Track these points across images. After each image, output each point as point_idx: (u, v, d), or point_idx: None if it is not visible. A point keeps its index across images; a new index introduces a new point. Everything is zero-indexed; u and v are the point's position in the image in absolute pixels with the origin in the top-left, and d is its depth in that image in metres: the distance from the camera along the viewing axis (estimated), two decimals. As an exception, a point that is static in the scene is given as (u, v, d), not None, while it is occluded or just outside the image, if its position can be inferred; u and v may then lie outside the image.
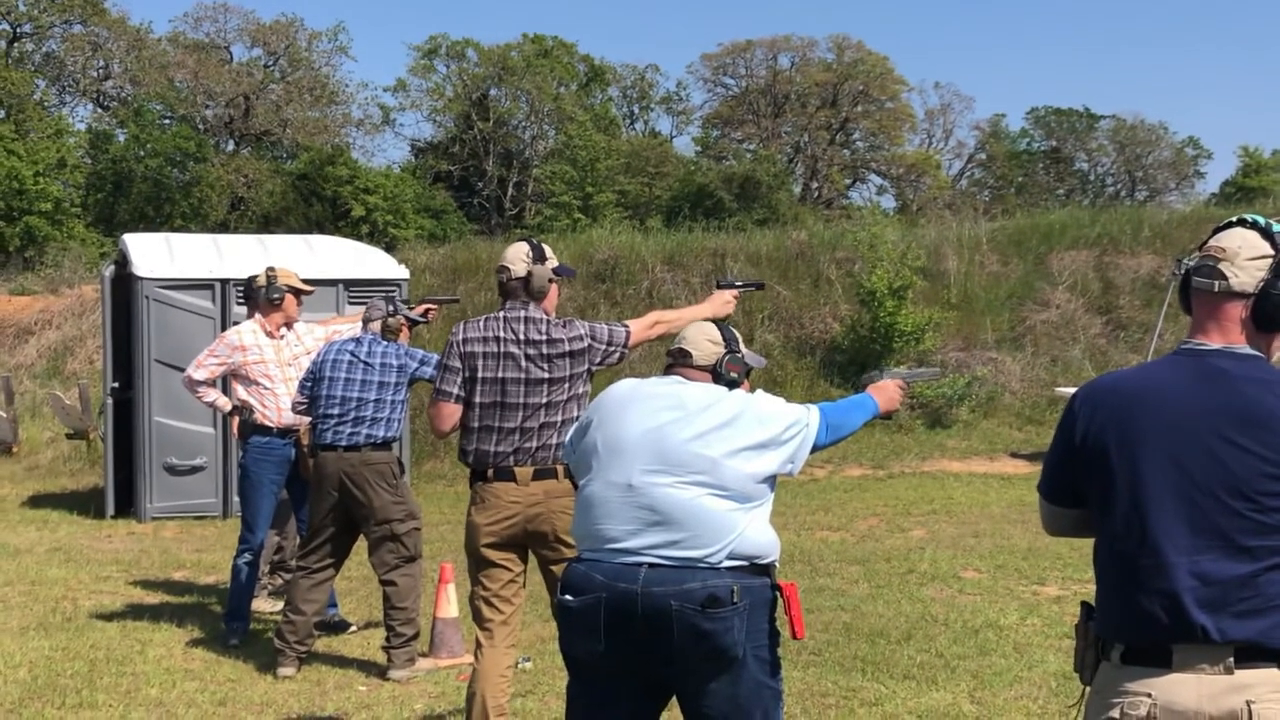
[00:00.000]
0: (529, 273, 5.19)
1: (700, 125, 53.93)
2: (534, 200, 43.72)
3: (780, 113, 50.91)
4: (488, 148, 45.19)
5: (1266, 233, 2.84)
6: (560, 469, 5.05)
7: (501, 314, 5.21)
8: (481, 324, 5.20)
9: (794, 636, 3.88)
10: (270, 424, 7.50)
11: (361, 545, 7.05)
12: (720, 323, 4.20)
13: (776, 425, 3.84)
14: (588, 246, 20.47)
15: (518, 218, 43.17)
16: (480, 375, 5.10)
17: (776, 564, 3.83)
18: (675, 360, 4.03)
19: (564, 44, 49.61)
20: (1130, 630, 2.77)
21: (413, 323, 7.20)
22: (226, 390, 7.94)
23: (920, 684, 6.42)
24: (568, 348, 5.14)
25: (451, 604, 7.04)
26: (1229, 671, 2.66)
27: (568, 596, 3.75)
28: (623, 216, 36.64)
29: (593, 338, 5.20)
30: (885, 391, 4.41)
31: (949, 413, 17.63)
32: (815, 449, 3.98)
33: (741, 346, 4.10)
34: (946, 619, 7.73)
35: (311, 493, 7.00)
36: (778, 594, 3.81)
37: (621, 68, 53.71)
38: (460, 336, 5.19)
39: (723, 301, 5.54)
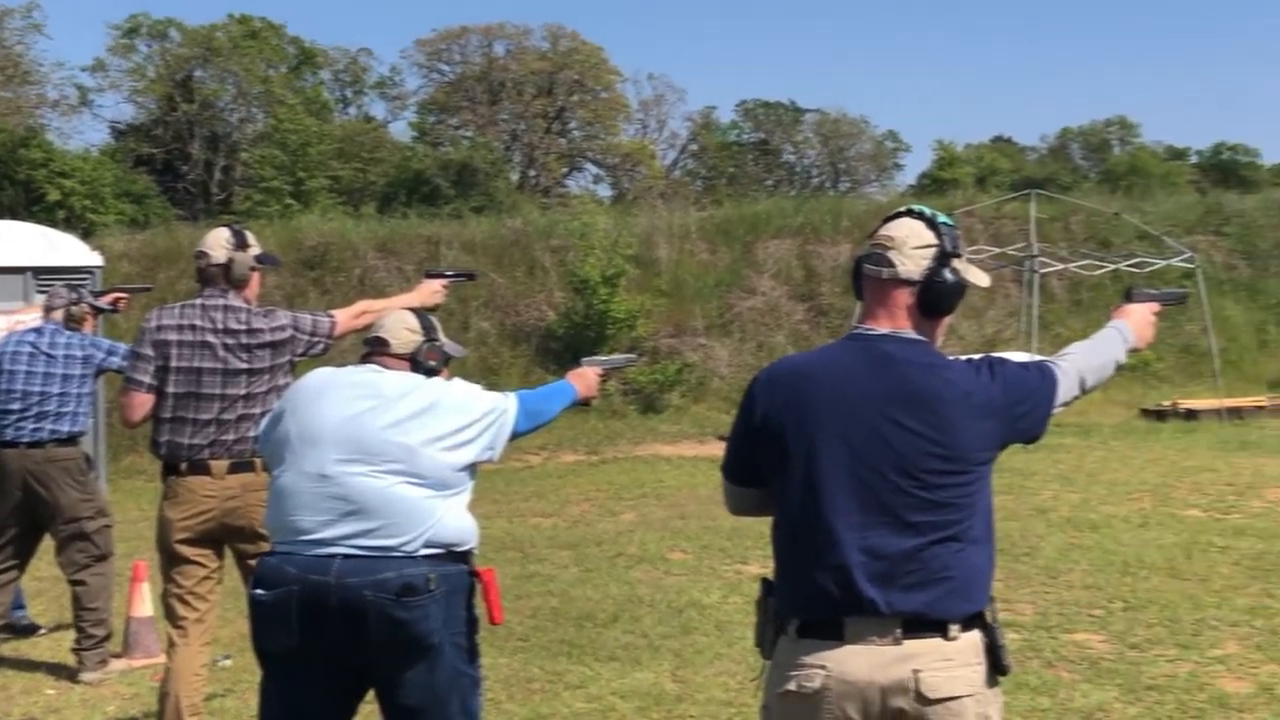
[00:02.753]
0: (229, 260, 5.04)
1: (416, 111, 53.29)
2: (243, 185, 42.31)
3: (497, 100, 50.68)
4: (193, 130, 43.59)
5: (932, 223, 2.98)
6: (258, 462, 4.92)
7: (199, 301, 5.04)
8: (178, 311, 5.03)
9: (492, 622, 3.89)
10: (-53, 420, 7.09)
11: (50, 543, 6.75)
12: (420, 310, 4.16)
13: (474, 412, 3.83)
14: (297, 233, 20.05)
15: (225, 203, 41.74)
16: (174, 364, 4.93)
17: (475, 551, 3.83)
18: (372, 348, 3.98)
19: (272, 25, 48.14)
20: (805, 605, 2.86)
21: (99, 311, 6.91)
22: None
23: (625, 665, 6.53)
24: (269, 338, 5.01)
25: (146, 603, 6.81)
26: (897, 642, 2.77)
27: (260, 590, 3.68)
28: (336, 203, 35.90)
29: (296, 328, 5.09)
30: (585, 378, 4.46)
31: (661, 398, 17.98)
32: (515, 436, 3.99)
33: (440, 335, 4.07)
34: (652, 600, 7.88)
35: (-7, 491, 6.65)
36: (476, 580, 3.82)
37: (333, 50, 52.54)
38: (154, 323, 5.00)
39: (431, 291, 5.50)
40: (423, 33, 61.05)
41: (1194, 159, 56.08)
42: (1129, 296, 3.37)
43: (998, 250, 18.64)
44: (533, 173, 50.06)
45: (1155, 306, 3.36)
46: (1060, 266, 18.10)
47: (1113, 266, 18.02)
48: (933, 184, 45.49)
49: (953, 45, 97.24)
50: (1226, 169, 52.57)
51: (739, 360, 18.95)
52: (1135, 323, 3.28)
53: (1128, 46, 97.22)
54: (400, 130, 51.64)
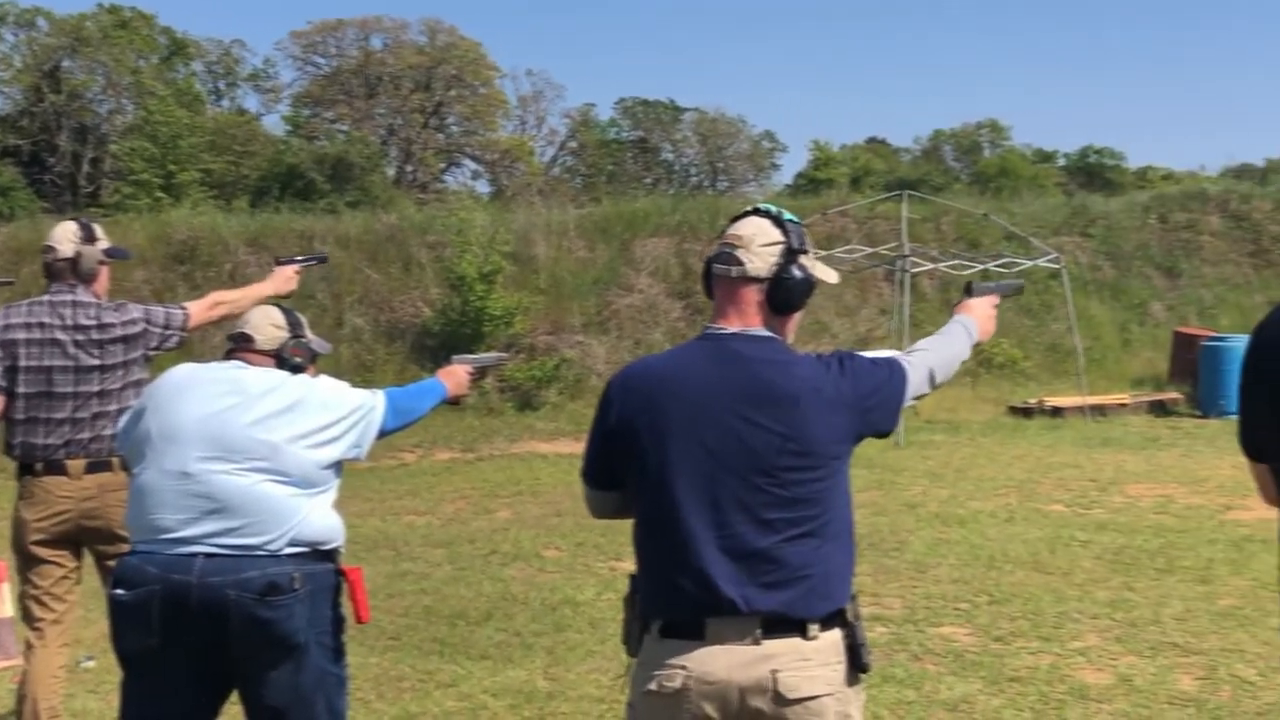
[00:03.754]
0: (77, 253, 4.94)
1: (290, 104, 52.56)
2: (111, 178, 41.33)
3: (373, 94, 50.17)
4: (60, 122, 42.50)
5: (778, 220, 3.01)
6: (116, 460, 4.82)
7: (47, 298, 4.93)
8: (25, 309, 4.91)
9: (358, 621, 3.89)
10: None
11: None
12: (285, 306, 4.12)
13: (340, 409, 3.81)
14: (167, 227, 19.69)
15: (93, 196, 40.71)
16: (23, 364, 4.81)
17: (341, 549, 3.80)
18: (236, 344, 3.93)
19: (143, 15, 47.13)
20: (667, 605, 2.88)
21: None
22: None
23: (497, 663, 6.52)
24: (120, 332, 4.91)
25: (5, 604, 6.65)
26: (757, 643, 2.79)
27: (120, 591, 3.61)
28: (207, 196, 35.27)
29: (148, 321, 5.00)
30: (455, 376, 4.44)
31: (538, 395, 17.95)
32: (383, 434, 3.97)
33: (307, 330, 4.04)
34: (526, 598, 7.88)
35: None
36: (342, 579, 3.80)
37: (206, 41, 51.72)
38: (1, 323, 4.88)
39: (285, 278, 5.44)
40: (297, 25, 60.24)
41: (1061, 161, 57.33)
42: (969, 291, 3.45)
43: (870, 250, 18.89)
44: (410, 168, 49.67)
45: (995, 299, 3.45)
46: (931, 266, 18.38)
47: (981, 266, 18.33)
48: (809, 184, 45.89)
49: (828, 47, 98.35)
50: (1093, 172, 53.83)
51: (616, 358, 18.96)
52: (978, 316, 3.36)
53: (999, 50, 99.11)
54: (274, 123, 50.94)
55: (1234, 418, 2.25)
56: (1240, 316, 20.99)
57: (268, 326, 3.93)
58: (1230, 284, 23.33)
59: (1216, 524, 9.84)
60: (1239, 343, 17.56)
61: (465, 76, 50.28)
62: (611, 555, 8.96)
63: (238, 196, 34.88)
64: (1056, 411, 17.65)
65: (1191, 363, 18.42)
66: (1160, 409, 18.09)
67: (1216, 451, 13.61)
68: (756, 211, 3.05)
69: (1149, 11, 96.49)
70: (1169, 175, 48.93)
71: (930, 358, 3.13)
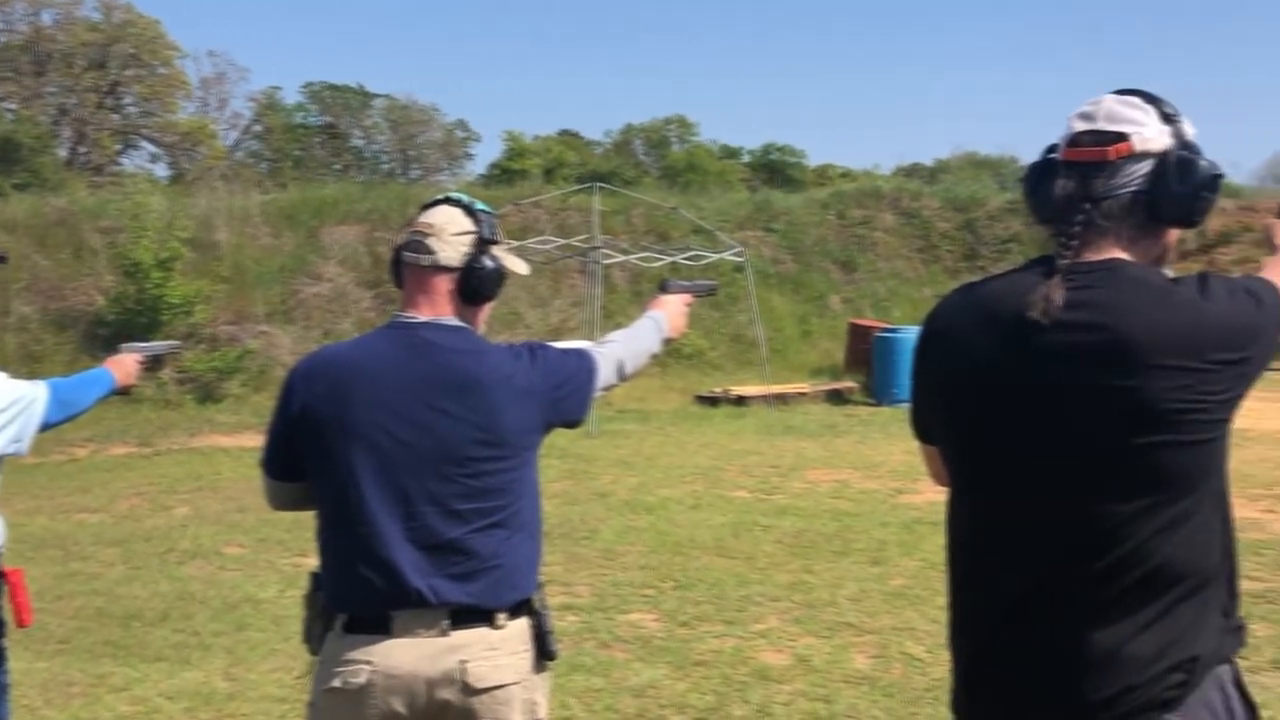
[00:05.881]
0: None
1: (-47, 80, 49.41)
2: None
3: (43, 72, 47.65)
4: None
5: (470, 210, 2.99)
6: None
7: None
8: None
9: (20, 624, 3.71)
10: None
11: None
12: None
13: (-4, 402, 3.59)
14: None
15: None
16: None
17: (2, 549, 3.59)
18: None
19: None
20: (352, 600, 2.81)
21: None
22: None
23: (174, 664, 6.28)
24: None
25: None
26: (444, 634, 2.76)
27: None
28: None
29: None
30: (123, 365, 4.25)
31: (220, 386, 17.43)
32: (47, 426, 3.77)
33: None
34: (205, 596, 7.62)
35: None
36: (1, 581, 3.60)
37: None
38: None
39: None
40: (-41, -4, 56.67)
41: (746, 158, 59.04)
42: (664, 288, 3.51)
43: (563, 241, 19.03)
44: (83, 150, 47.40)
45: (688, 298, 3.53)
46: (622, 258, 18.64)
47: (670, 259, 18.72)
48: (502, 174, 45.87)
49: (521, 36, 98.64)
50: (775, 169, 55.59)
51: (303, 348, 18.52)
52: (670, 313, 3.41)
53: (686, 46, 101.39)
54: (-66, 100, 47.74)
55: (905, 405, 2.37)
56: (911, 309, 22.06)
57: (-84, 312, 3.67)
58: (902, 278, 24.52)
59: (889, 507, 10.30)
60: (910, 334, 18.45)
61: (143, 55, 48.23)
62: (295, 551, 8.74)
63: (-110, 177, 32.52)
64: (741, 400, 18.17)
65: (866, 353, 19.25)
66: (837, 397, 18.85)
67: (889, 438, 14.25)
68: (448, 200, 3.02)
69: (824, 15, 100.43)
70: (846, 174, 50.93)
71: (620, 350, 3.16)
